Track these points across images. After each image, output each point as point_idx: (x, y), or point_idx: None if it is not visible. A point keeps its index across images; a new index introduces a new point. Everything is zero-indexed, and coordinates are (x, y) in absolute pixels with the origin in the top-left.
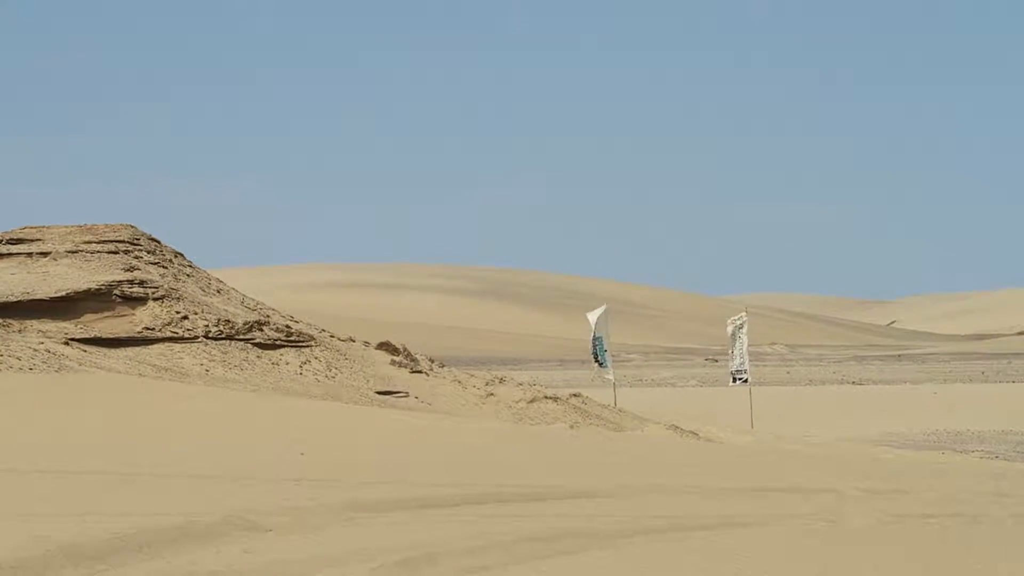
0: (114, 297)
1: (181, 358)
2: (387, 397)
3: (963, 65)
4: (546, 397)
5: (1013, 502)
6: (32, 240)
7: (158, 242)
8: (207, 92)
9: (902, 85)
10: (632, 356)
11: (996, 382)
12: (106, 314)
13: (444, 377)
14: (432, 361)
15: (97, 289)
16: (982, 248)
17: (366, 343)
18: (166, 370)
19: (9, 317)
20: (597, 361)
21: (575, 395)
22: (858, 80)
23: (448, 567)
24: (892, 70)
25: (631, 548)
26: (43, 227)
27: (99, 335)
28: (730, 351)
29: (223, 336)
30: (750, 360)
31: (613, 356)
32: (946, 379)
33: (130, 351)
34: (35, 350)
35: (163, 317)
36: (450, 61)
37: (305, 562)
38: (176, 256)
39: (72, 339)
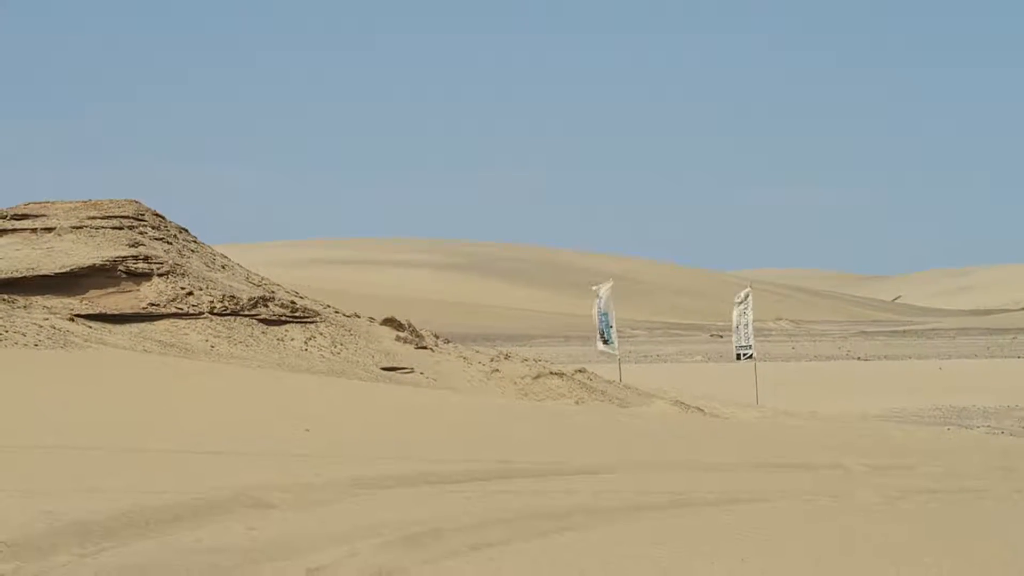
0: (119, 273)
1: (186, 334)
2: (392, 373)
3: (963, 47)
4: (551, 373)
5: (1018, 477)
6: (36, 216)
7: (163, 218)
8: (204, 76)
9: (902, 66)
10: (637, 332)
11: (1001, 357)
12: (111, 290)
13: (449, 353)
14: (437, 337)
15: (102, 265)
16: (986, 223)
17: (371, 319)
18: (171, 346)
19: (14, 293)
20: (603, 337)
21: (580, 371)
22: (857, 61)
23: (453, 543)
24: (891, 51)
25: (637, 524)
26: (47, 202)
27: (104, 311)
28: (735, 327)
29: (228, 312)
30: (755, 336)
31: (618, 332)
32: (951, 354)
33: (135, 327)
34: (40, 326)
35: (168, 293)
36: (436, 42)
37: (310, 538)
38: (181, 232)
39: (77, 315)
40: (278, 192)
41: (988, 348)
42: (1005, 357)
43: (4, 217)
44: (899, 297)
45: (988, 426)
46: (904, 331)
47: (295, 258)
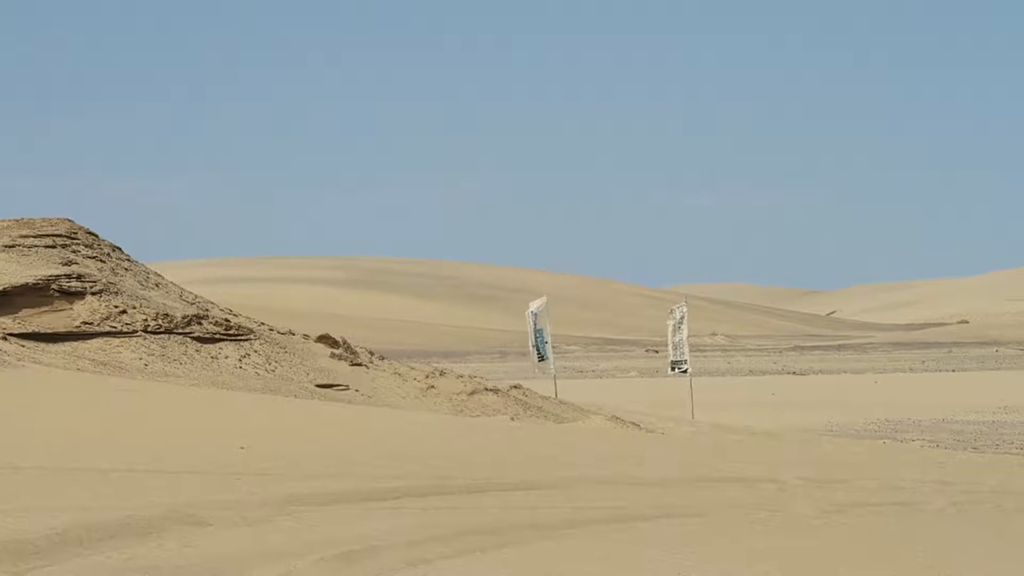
0: (52, 292)
1: (120, 352)
2: (327, 390)
3: (902, 53)
4: (487, 389)
5: (954, 490)
6: None
7: (95, 236)
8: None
9: (840, 73)
10: (573, 348)
11: (936, 371)
12: (44, 309)
13: (384, 370)
14: (372, 354)
15: (35, 284)
16: (919, 239)
17: (305, 336)
18: (105, 364)
19: None
20: (538, 354)
21: (516, 387)
22: (795, 68)
23: (390, 560)
24: (830, 60)
25: (573, 539)
26: None
27: (37, 330)
28: (670, 342)
29: (162, 330)
30: (691, 350)
31: (553, 348)
32: (886, 369)
33: (68, 346)
34: None
35: (101, 311)
36: (317, 54)
37: (245, 556)
38: (114, 250)
39: (10, 334)
40: (166, 210)
41: (923, 362)
42: (940, 371)
43: None
44: (834, 312)
45: (923, 439)
46: (839, 346)
47: (197, 277)
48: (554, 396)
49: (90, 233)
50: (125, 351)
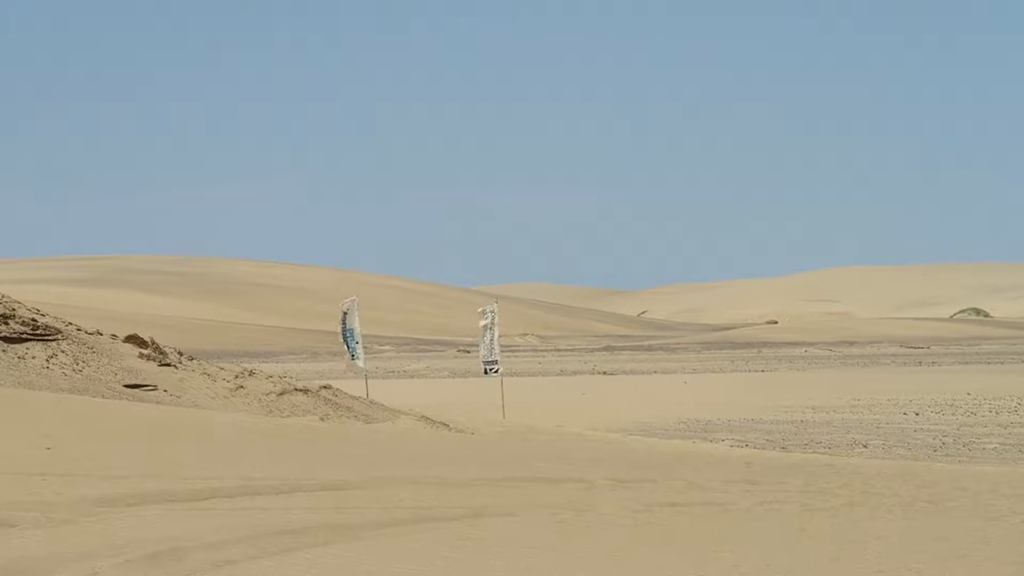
0: None
1: None
2: (135, 391)
3: (704, 49)
4: (296, 390)
5: (761, 490)
6: None
7: None
8: None
9: (646, 71)
10: (385, 348)
11: (745, 371)
12: None
13: (193, 370)
14: (181, 354)
15: None
16: (728, 239)
17: (113, 336)
18: None
19: None
20: (349, 353)
21: (326, 387)
22: (600, 66)
23: (196, 560)
24: (635, 60)
25: (380, 540)
26: None
27: None
28: (481, 342)
29: None
30: (502, 351)
31: (365, 348)
32: (696, 369)
33: None
34: None
35: None
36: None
37: (51, 557)
38: None
39: None
40: None
41: (733, 362)
42: (749, 371)
43: None
44: (644, 312)
45: (733, 439)
46: (649, 346)
47: None
48: (365, 396)
49: None
50: None
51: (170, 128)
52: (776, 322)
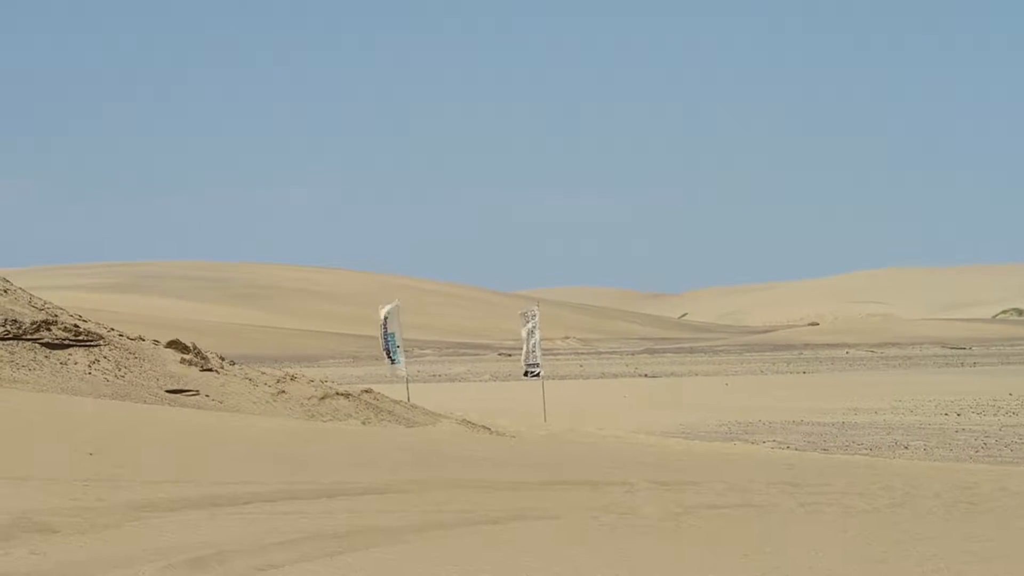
0: None
1: None
2: (177, 396)
3: (752, 58)
4: (338, 394)
5: (803, 492)
6: None
7: None
8: None
9: (691, 76)
10: (426, 351)
11: (786, 373)
12: None
13: (235, 375)
14: (223, 359)
15: None
16: (769, 241)
17: (155, 342)
18: None
19: None
20: (389, 357)
21: (367, 391)
22: (647, 71)
23: (238, 565)
24: (679, 63)
25: (423, 543)
26: None
27: None
28: (523, 345)
29: (10, 336)
30: (543, 354)
31: (406, 352)
32: (737, 371)
33: None
34: None
35: None
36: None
37: (94, 562)
38: None
39: None
40: None
41: (774, 364)
42: (791, 372)
43: None
44: (685, 315)
45: (774, 441)
46: (691, 348)
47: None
48: (406, 400)
49: None
50: None
51: (203, 131)
52: (817, 324)
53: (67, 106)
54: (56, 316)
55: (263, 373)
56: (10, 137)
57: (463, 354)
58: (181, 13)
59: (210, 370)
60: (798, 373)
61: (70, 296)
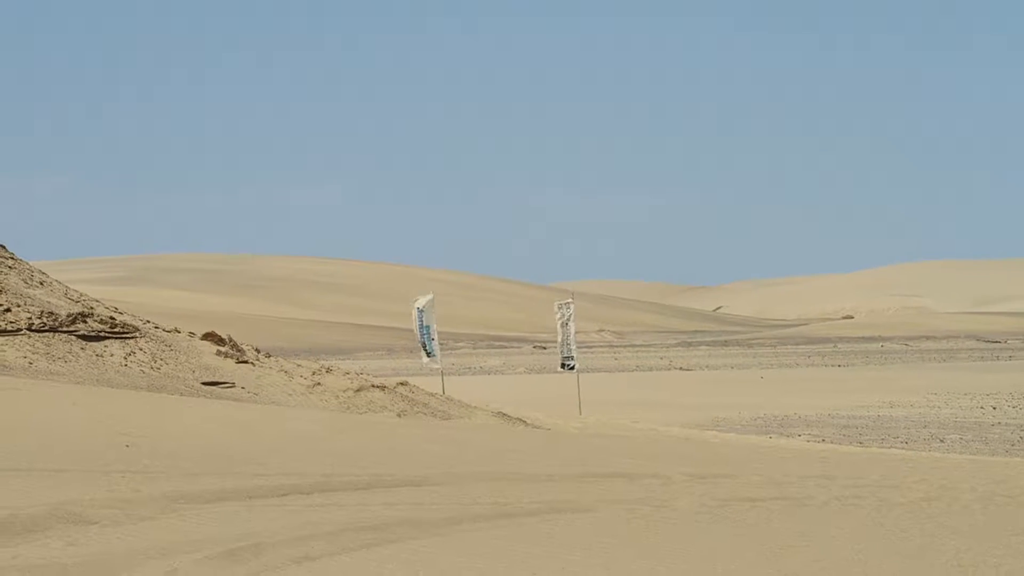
0: None
1: (4, 351)
2: (213, 388)
3: (777, 53)
4: (373, 386)
5: (838, 485)
6: None
7: None
8: None
9: (720, 73)
10: (460, 344)
11: (821, 366)
12: None
13: (270, 367)
14: (258, 351)
15: None
16: (804, 234)
17: (191, 334)
18: None
19: None
20: (425, 350)
21: (402, 383)
22: (676, 67)
23: (274, 557)
24: (711, 59)
25: (458, 535)
26: None
27: None
28: (558, 338)
29: (46, 328)
30: (578, 347)
31: (441, 344)
32: (772, 364)
33: None
34: None
35: None
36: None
37: (130, 554)
38: None
39: None
40: None
41: (809, 357)
42: (826, 366)
43: None
44: (720, 307)
45: (809, 434)
46: (726, 341)
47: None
48: (441, 393)
49: None
50: (9, 350)
51: (216, 128)
52: (852, 317)
53: (82, 103)
54: (92, 308)
55: (299, 365)
56: (27, 134)
57: (498, 347)
58: (200, 12)
59: (246, 362)
60: (833, 366)
61: (90, 289)
